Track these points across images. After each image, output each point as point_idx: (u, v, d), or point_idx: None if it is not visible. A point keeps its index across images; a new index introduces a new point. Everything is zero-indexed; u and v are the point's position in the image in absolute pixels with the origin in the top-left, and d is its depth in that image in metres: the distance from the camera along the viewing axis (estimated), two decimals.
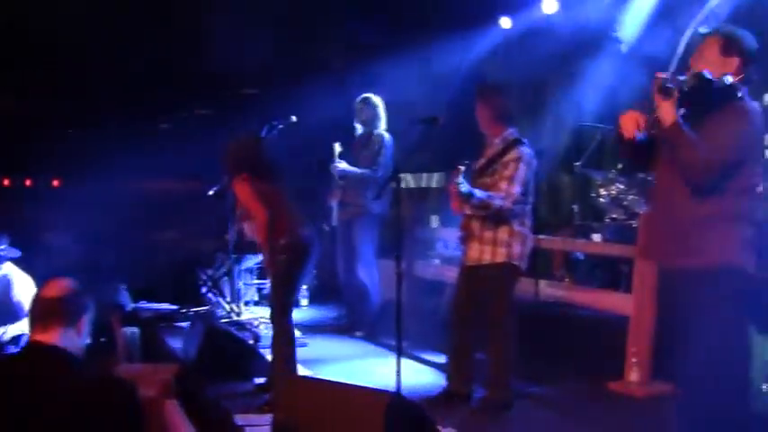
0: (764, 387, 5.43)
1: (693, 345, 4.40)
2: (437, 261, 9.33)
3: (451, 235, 9.58)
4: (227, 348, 7.06)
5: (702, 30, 4.61)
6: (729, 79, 4.29)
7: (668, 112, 4.26)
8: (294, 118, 8.16)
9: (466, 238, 6.22)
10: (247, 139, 6.71)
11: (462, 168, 5.90)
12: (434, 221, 9.99)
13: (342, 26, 10.82)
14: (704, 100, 4.34)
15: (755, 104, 4.39)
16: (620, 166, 8.10)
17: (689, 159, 4.27)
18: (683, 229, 4.42)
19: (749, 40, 4.47)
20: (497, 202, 5.94)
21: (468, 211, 6.11)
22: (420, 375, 7.19)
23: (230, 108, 11.23)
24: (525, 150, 6.09)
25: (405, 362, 6.10)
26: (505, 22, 10.04)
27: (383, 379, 6.52)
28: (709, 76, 4.29)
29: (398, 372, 5.65)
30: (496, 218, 6.02)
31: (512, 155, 6.05)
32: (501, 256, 6.05)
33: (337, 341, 8.66)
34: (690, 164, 4.28)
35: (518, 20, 9.95)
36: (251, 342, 7.56)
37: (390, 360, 6.11)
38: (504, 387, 6.10)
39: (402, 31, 10.17)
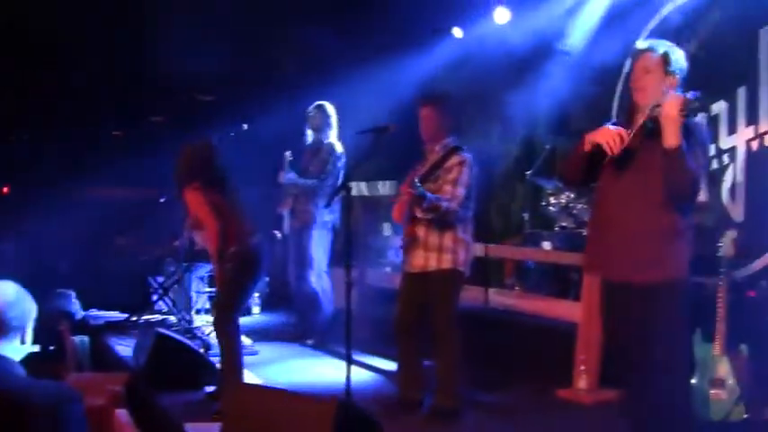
0: (710, 394, 5.52)
1: (647, 355, 4.48)
2: (389, 269, 9.36)
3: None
4: (178, 357, 7.02)
5: (642, 45, 4.71)
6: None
7: (677, 133, 4.26)
8: (245, 126, 8.16)
9: (410, 245, 6.22)
10: (199, 147, 6.67)
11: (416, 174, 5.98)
12: (387, 229, 10.03)
13: (296, 34, 10.82)
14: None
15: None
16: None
17: (685, 180, 4.33)
18: (639, 243, 4.49)
19: (684, 59, 4.62)
20: (445, 204, 5.97)
21: (418, 214, 6.10)
22: (370, 383, 7.22)
23: (184, 115, 11.19)
24: (467, 155, 6.15)
25: (355, 369, 6.13)
26: (457, 32, 10.11)
27: (333, 387, 6.53)
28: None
29: (348, 379, 5.67)
30: (441, 223, 6.05)
31: (454, 159, 6.10)
32: (447, 263, 6.08)
33: (288, 349, 8.66)
34: (685, 184, 4.35)
35: (470, 30, 10.01)
36: (201, 350, 7.53)
37: (341, 368, 6.12)
38: (453, 394, 6.12)
39: (355, 39, 10.20)
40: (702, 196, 6.97)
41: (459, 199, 6.01)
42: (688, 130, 4.36)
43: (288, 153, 8.63)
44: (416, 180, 5.91)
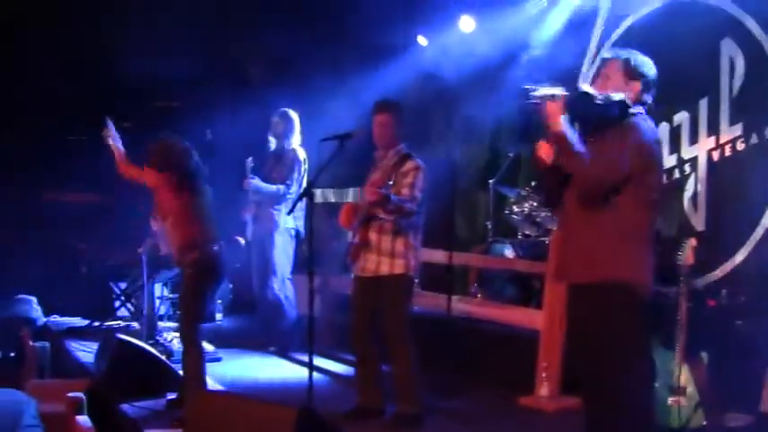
0: (670, 401, 5.57)
1: (596, 358, 4.52)
2: (353, 276, 9.35)
3: None
4: (139, 364, 6.98)
5: (606, 54, 4.78)
6: (618, 96, 4.46)
7: (554, 118, 4.36)
8: (209, 133, 8.14)
9: (361, 250, 6.25)
10: (179, 144, 6.68)
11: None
12: (352, 236, 10.02)
13: (262, 40, 10.80)
14: (594, 118, 4.52)
15: (649, 122, 4.52)
16: (533, 183, 8.23)
17: (577, 170, 4.42)
18: (585, 246, 4.55)
19: (650, 65, 4.64)
20: (408, 206, 6.02)
21: (382, 215, 6.10)
22: (333, 389, 7.21)
23: (148, 121, 11.13)
24: (420, 162, 6.20)
25: (317, 376, 6.13)
26: (422, 40, 10.12)
27: (295, 393, 6.53)
28: (592, 92, 4.49)
29: (310, 385, 5.66)
30: (397, 228, 6.10)
31: (410, 165, 6.13)
32: (399, 268, 6.12)
33: (251, 355, 8.63)
34: (578, 175, 4.44)
35: (435, 38, 10.04)
36: (163, 357, 7.49)
37: (303, 374, 6.11)
38: (414, 400, 6.13)
39: (321, 46, 10.19)
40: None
41: (417, 201, 6.07)
42: (624, 129, 4.43)
43: (250, 159, 8.60)
44: (389, 183, 5.95)
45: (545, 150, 4.62)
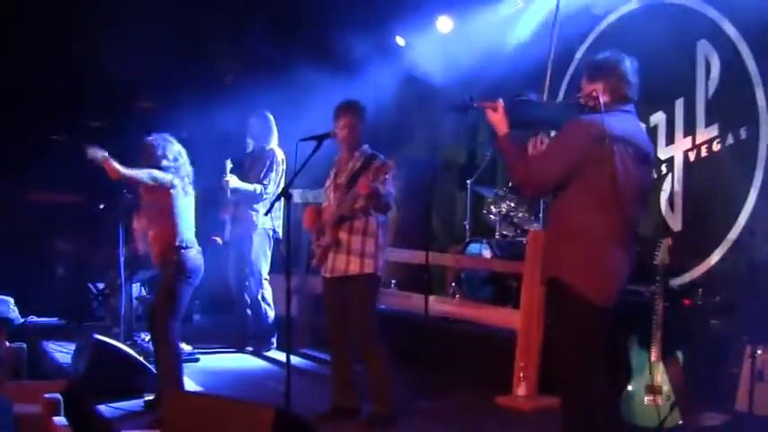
0: (646, 400, 5.60)
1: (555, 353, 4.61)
2: (322, 277, 9.35)
3: None
4: (117, 364, 6.95)
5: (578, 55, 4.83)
6: (573, 101, 4.65)
7: (498, 125, 4.56)
8: (185, 133, 8.10)
9: (329, 251, 6.23)
10: (165, 143, 6.69)
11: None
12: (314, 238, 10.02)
13: (238, 41, 10.79)
14: (548, 120, 4.68)
15: (596, 118, 4.40)
16: (510, 183, 8.24)
17: (519, 171, 4.56)
18: (545, 246, 4.73)
19: (613, 62, 4.62)
20: (390, 201, 6.05)
21: (374, 211, 6.10)
22: (310, 390, 7.20)
23: (124, 121, 11.09)
24: (387, 159, 6.08)
25: (295, 376, 6.10)
26: (400, 41, 10.14)
27: (273, 394, 6.52)
28: (528, 97, 4.68)
29: (288, 386, 5.64)
30: (366, 230, 6.12)
31: (377, 163, 6.04)
32: (369, 267, 6.12)
33: (228, 356, 8.63)
34: (520, 175, 4.59)
35: (413, 38, 10.05)
36: (141, 358, 7.46)
37: (280, 374, 6.10)
38: (386, 400, 6.12)
39: (297, 46, 10.19)
40: None
41: (392, 197, 6.08)
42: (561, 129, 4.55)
43: (228, 160, 8.60)
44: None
45: None
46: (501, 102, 4.57)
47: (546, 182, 4.49)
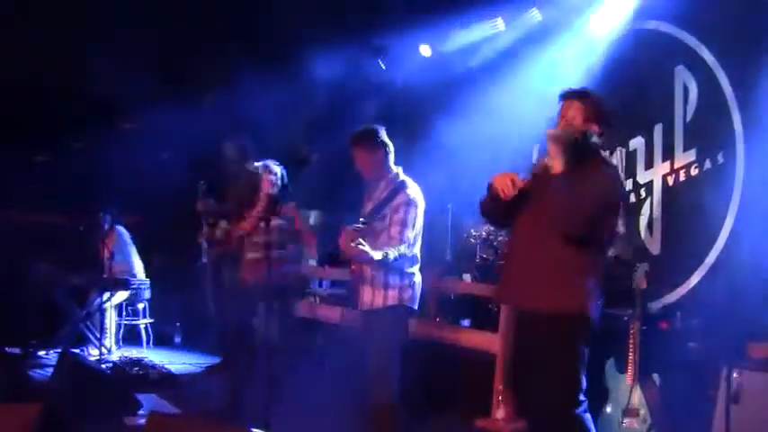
0: (623, 423, 5.62)
1: (537, 384, 4.57)
2: (312, 299, 9.36)
3: (327, 273, 9.67)
4: (94, 386, 6.93)
5: (565, 94, 4.77)
6: (595, 138, 4.61)
7: (558, 162, 4.50)
8: (165, 154, 8.13)
9: (359, 283, 6.11)
10: None
11: (358, 230, 5.80)
12: (311, 260, 10.03)
13: (217, 63, 10.82)
14: (573, 156, 4.58)
15: (613, 165, 4.72)
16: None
17: (562, 210, 4.45)
18: (541, 274, 4.59)
19: (607, 105, 4.72)
20: (393, 254, 5.78)
21: (371, 272, 5.99)
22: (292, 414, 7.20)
23: (106, 142, 11.10)
24: (411, 193, 5.99)
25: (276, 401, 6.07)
26: (381, 65, 10.17)
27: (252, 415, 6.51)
28: (591, 136, 4.60)
29: (267, 407, 5.63)
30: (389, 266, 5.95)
31: (400, 198, 5.94)
32: (392, 300, 5.96)
33: (209, 379, 8.61)
34: (563, 214, 4.45)
35: (395, 62, 10.10)
36: (119, 380, 7.46)
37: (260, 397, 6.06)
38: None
39: (277, 71, 10.21)
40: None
41: (407, 242, 5.86)
42: (593, 171, 4.56)
43: (202, 182, 8.57)
44: (365, 247, 5.65)
45: (504, 184, 4.61)
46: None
47: (581, 223, 4.46)
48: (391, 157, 6.12)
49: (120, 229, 10.35)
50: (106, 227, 8.99)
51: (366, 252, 5.60)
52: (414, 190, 6.01)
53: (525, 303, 4.73)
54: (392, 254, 5.75)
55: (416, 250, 6.06)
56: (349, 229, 5.79)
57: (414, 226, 5.91)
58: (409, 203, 5.92)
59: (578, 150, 4.55)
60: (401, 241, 5.82)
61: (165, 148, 8.12)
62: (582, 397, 4.56)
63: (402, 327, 6.07)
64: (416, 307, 6.09)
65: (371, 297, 6.00)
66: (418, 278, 6.09)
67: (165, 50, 10.60)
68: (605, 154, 4.71)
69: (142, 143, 8.69)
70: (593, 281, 4.55)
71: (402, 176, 6.11)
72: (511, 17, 9.03)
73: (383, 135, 6.11)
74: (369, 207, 6.10)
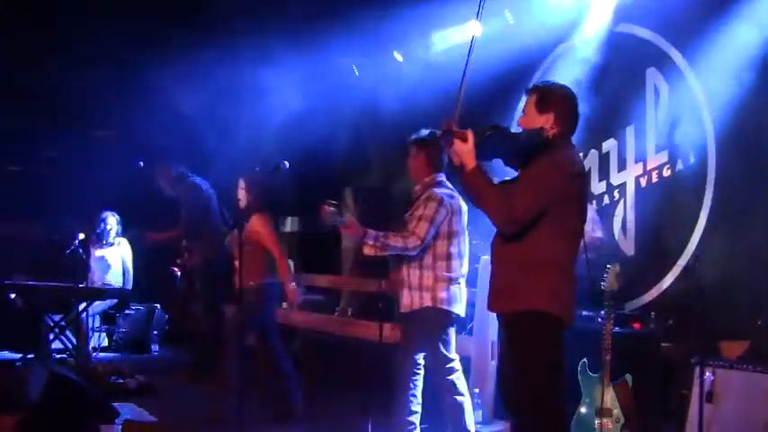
0: (596, 423, 5.65)
1: (509, 383, 4.59)
2: (286, 306, 9.37)
3: (303, 280, 9.69)
4: (72, 396, 6.90)
5: (526, 90, 4.74)
6: (533, 127, 4.54)
7: (466, 156, 4.40)
8: (141, 163, 8.14)
9: (399, 286, 6.16)
10: None
11: (328, 208, 5.86)
12: (290, 266, 10.03)
13: (194, 70, 10.81)
14: (515, 152, 4.54)
15: (568, 153, 4.52)
16: None
17: (497, 206, 4.39)
18: (503, 275, 4.61)
19: (564, 93, 4.64)
20: (397, 242, 5.85)
21: (366, 251, 5.98)
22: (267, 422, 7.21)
23: (81, 150, 11.07)
24: (438, 190, 6.01)
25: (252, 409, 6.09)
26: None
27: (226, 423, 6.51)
28: (501, 126, 4.55)
29: (241, 414, 5.65)
30: (416, 262, 5.99)
31: (426, 195, 5.99)
32: (427, 301, 5.97)
33: (186, 387, 8.60)
34: (498, 210, 4.39)
35: (372, 67, 10.11)
36: (97, 389, 7.43)
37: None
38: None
39: (257, 70, 10.20)
40: (598, 233, 7.12)
41: (419, 235, 5.84)
42: (538, 161, 4.46)
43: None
44: (338, 217, 5.87)
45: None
46: (471, 133, 4.42)
47: (529, 217, 4.38)
48: (436, 165, 6.13)
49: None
50: (79, 237, 8.99)
51: (350, 225, 5.77)
52: (443, 191, 6.01)
53: (491, 307, 4.75)
54: (393, 240, 5.83)
55: (452, 249, 6.03)
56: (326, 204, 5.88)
57: (433, 221, 5.88)
58: (430, 198, 5.94)
59: (503, 146, 4.53)
60: (413, 233, 5.85)
61: (141, 156, 8.11)
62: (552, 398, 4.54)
63: (434, 328, 6.04)
64: (459, 310, 6.06)
65: (410, 299, 6.04)
66: (459, 280, 6.09)
67: (141, 56, 10.58)
68: (557, 140, 4.53)
69: (120, 152, 8.70)
70: (553, 279, 4.47)
71: (438, 179, 6.13)
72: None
73: (431, 141, 6.11)
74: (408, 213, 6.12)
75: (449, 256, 6.01)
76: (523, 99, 4.68)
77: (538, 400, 4.45)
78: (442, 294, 5.96)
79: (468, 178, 4.44)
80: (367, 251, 5.98)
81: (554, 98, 4.60)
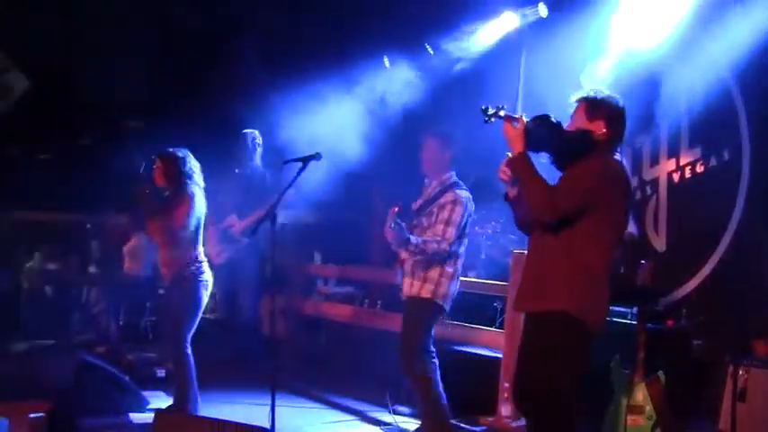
0: (628, 420, 5.62)
1: (527, 381, 4.54)
2: (317, 297, 9.38)
3: (331, 272, 9.68)
4: (101, 383, 6.95)
5: (572, 97, 4.69)
6: (586, 131, 4.51)
7: (515, 142, 4.45)
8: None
9: (402, 273, 6.26)
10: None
11: (396, 210, 5.90)
12: (317, 258, 10.05)
13: (228, 61, 10.82)
14: (558, 148, 4.53)
15: (617, 160, 4.52)
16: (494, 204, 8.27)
17: (539, 192, 4.40)
18: (537, 275, 4.57)
19: (613, 101, 4.61)
20: (432, 247, 5.99)
21: (403, 255, 6.16)
22: (296, 410, 7.21)
23: (113, 140, 11.11)
24: (462, 193, 6.12)
25: (281, 397, 6.08)
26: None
27: (259, 415, 6.52)
28: (554, 120, 4.53)
29: (272, 407, 5.64)
30: (429, 260, 6.07)
31: (448, 197, 6.09)
32: (427, 293, 6.09)
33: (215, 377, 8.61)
34: (540, 197, 4.39)
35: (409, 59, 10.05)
36: (125, 376, 7.46)
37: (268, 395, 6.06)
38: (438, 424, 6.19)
39: (282, 66, 10.18)
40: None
41: (449, 240, 6.00)
42: (587, 164, 4.44)
43: None
44: (395, 221, 5.88)
45: (505, 175, 4.63)
46: (524, 118, 4.49)
47: (567, 210, 4.36)
48: (452, 162, 6.25)
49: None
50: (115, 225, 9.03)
51: (401, 232, 5.84)
52: (463, 192, 6.14)
53: (517, 306, 4.76)
54: (430, 247, 5.97)
55: (461, 249, 6.19)
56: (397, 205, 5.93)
57: (458, 225, 6.04)
58: (456, 203, 6.06)
59: (550, 144, 4.52)
60: (444, 239, 5.99)
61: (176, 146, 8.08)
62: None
63: (430, 320, 6.21)
64: (447, 306, 6.22)
65: (409, 287, 6.17)
66: (457, 277, 6.23)
67: (173, 47, 10.60)
68: (604, 147, 4.51)
69: (151, 141, 8.66)
70: (584, 283, 4.42)
71: (454, 179, 6.24)
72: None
73: (456, 140, 6.26)
74: (419, 203, 6.28)
75: (457, 255, 6.18)
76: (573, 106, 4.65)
77: (554, 401, 4.43)
78: (443, 290, 6.12)
79: (514, 163, 4.48)
80: (404, 256, 6.15)
81: (604, 107, 4.58)
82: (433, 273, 6.09)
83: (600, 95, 4.62)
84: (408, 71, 9.08)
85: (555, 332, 4.41)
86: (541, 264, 4.54)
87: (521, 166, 4.46)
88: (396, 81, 9.05)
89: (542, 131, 4.50)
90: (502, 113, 4.53)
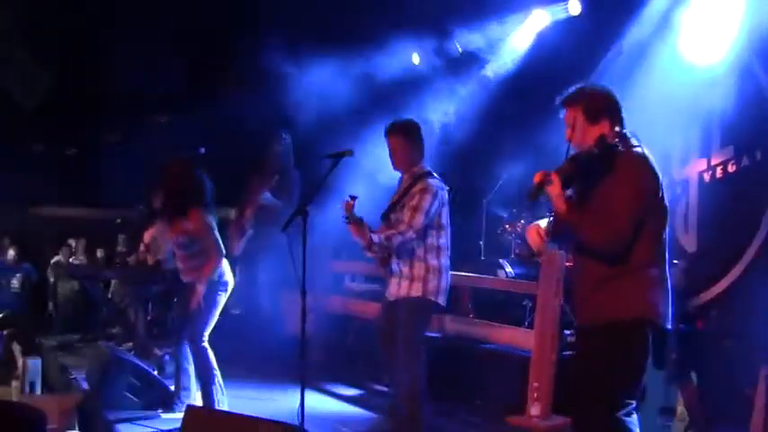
0: (659, 421, 5.60)
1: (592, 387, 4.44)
2: (346, 295, 9.38)
3: (360, 269, 9.67)
4: (131, 378, 6.98)
5: (559, 101, 4.49)
6: (602, 142, 4.26)
7: (558, 201, 4.25)
8: (202, 149, 8.13)
9: (388, 275, 6.17)
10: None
11: (351, 203, 5.78)
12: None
13: (253, 57, 10.83)
14: (594, 169, 4.30)
15: (640, 151, 4.29)
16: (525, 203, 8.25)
17: (597, 234, 4.22)
18: (587, 289, 4.42)
19: (605, 91, 4.45)
20: (397, 239, 5.89)
21: (369, 254, 6.08)
22: (324, 407, 7.21)
23: (140, 134, 11.14)
24: (432, 182, 6.02)
25: (309, 394, 6.09)
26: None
27: (289, 411, 6.53)
28: (577, 155, 4.34)
29: (302, 404, 5.64)
30: (407, 253, 6.00)
31: (417, 186, 5.99)
32: (416, 291, 5.99)
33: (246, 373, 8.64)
34: (599, 238, 4.22)
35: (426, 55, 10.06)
36: (154, 372, 7.49)
37: (296, 392, 6.08)
38: (412, 419, 6.09)
39: (308, 61, 10.19)
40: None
41: (416, 227, 5.89)
42: (618, 175, 4.23)
43: None
44: (356, 216, 5.80)
45: (533, 237, 4.50)
46: (555, 176, 4.22)
47: (630, 232, 4.14)
48: (421, 153, 6.17)
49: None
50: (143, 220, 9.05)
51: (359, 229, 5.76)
52: (435, 181, 6.03)
53: (581, 320, 4.56)
54: (395, 240, 5.86)
55: (441, 241, 6.07)
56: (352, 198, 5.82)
57: (426, 212, 5.91)
58: (425, 191, 5.94)
59: (598, 162, 4.26)
60: (409, 226, 5.87)
61: (202, 143, 8.08)
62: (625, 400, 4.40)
63: (423, 318, 6.13)
64: (442, 301, 6.09)
65: (397, 288, 6.06)
66: (446, 271, 6.11)
67: (198, 42, 10.62)
68: (632, 142, 4.29)
69: (175, 137, 8.73)
70: (651, 280, 4.27)
71: (426, 169, 6.14)
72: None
73: (420, 131, 6.17)
74: (394, 199, 6.16)
75: (439, 248, 6.06)
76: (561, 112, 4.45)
77: (612, 405, 4.33)
78: (431, 285, 6.00)
79: (565, 219, 4.28)
80: (370, 254, 6.06)
81: (601, 103, 4.39)
82: (419, 270, 5.98)
83: (591, 92, 4.43)
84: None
85: (630, 339, 4.26)
86: (596, 273, 4.33)
87: (572, 218, 4.26)
88: None
89: (576, 174, 4.30)
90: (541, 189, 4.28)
